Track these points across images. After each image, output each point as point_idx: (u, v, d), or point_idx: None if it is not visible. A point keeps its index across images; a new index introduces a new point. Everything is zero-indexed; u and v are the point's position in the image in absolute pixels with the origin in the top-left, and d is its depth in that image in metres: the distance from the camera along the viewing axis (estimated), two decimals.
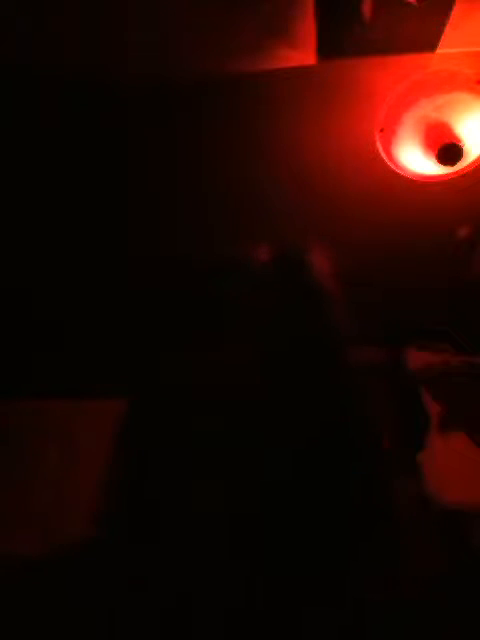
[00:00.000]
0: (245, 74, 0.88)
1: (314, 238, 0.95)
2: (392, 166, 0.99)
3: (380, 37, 0.84)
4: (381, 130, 0.94)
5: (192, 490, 0.76)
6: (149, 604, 0.73)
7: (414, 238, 1.13)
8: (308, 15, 0.80)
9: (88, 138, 0.98)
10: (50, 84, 0.90)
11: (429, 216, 1.09)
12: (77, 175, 1.03)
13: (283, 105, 0.93)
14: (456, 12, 0.80)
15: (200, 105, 0.93)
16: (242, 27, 0.82)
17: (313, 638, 0.72)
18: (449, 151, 0.89)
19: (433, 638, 0.81)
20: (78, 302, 1.17)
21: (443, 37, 0.83)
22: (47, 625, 0.79)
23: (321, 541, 0.75)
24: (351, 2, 0.80)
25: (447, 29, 0.82)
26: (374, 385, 1.18)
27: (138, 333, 1.02)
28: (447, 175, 0.98)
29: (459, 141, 0.89)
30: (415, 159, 0.95)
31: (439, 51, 0.86)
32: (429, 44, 0.85)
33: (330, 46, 0.85)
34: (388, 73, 0.89)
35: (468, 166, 0.96)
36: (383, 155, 0.97)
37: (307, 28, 0.82)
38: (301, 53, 0.85)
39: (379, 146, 0.97)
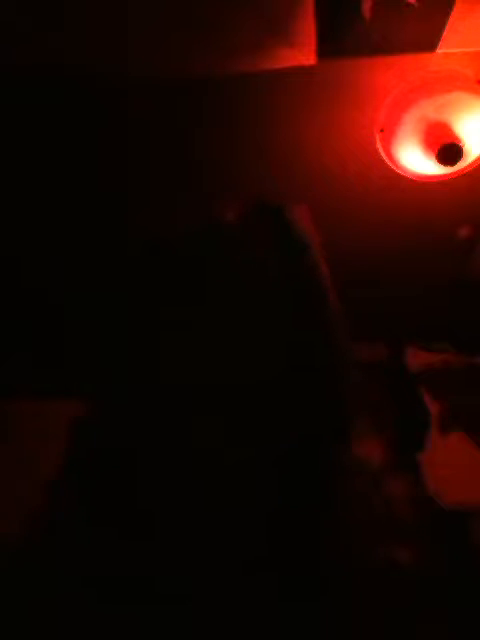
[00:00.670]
0: (245, 74, 0.88)
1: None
2: (392, 166, 0.99)
3: (380, 37, 0.84)
4: (381, 130, 0.94)
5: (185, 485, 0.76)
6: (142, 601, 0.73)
7: (414, 238, 1.13)
8: (308, 15, 0.80)
9: (88, 138, 0.98)
10: (50, 84, 0.90)
11: (429, 216, 1.09)
12: (78, 175, 1.03)
13: (283, 105, 0.93)
14: (456, 12, 0.80)
15: (200, 105, 0.94)
16: (242, 27, 0.82)
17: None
18: (449, 151, 0.89)
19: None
20: (78, 302, 1.17)
21: (443, 37, 0.83)
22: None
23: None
24: (351, 2, 0.80)
25: (447, 29, 0.82)
26: (373, 382, 1.18)
27: (139, 333, 1.02)
28: (447, 175, 0.98)
29: (459, 141, 0.89)
30: (415, 159, 0.95)
31: (439, 51, 0.86)
32: (429, 44, 0.85)
33: (330, 46, 0.85)
34: (388, 73, 0.89)
35: (468, 166, 0.96)
36: (383, 155, 0.97)
37: (307, 28, 0.82)
38: (301, 53, 0.85)
39: (379, 146, 0.97)
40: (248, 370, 0.79)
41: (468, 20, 0.81)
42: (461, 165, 0.93)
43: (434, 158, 0.91)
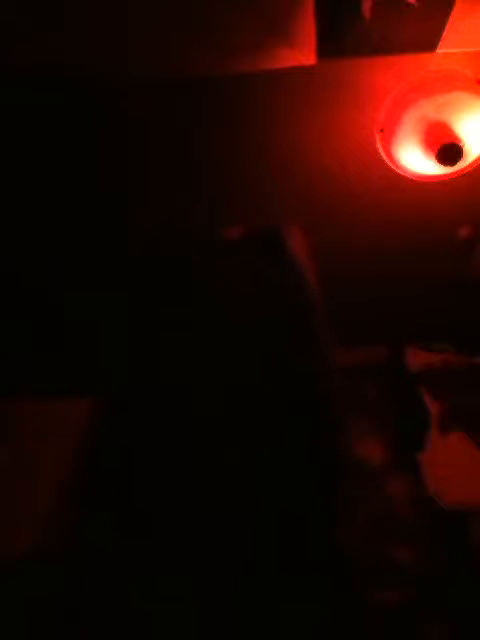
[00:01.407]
0: (245, 74, 0.88)
1: (314, 237, 0.95)
2: (392, 166, 0.99)
3: (380, 37, 0.84)
4: (381, 130, 0.94)
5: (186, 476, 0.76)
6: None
7: (414, 238, 1.13)
8: (308, 15, 0.80)
9: (88, 138, 0.98)
10: (50, 84, 0.90)
11: (429, 216, 1.09)
12: (77, 175, 1.03)
13: (283, 105, 0.93)
14: (456, 12, 0.80)
15: (200, 105, 0.93)
16: (242, 27, 0.82)
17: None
18: (449, 151, 0.89)
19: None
20: (78, 302, 1.17)
21: (443, 37, 0.83)
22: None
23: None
24: (351, 2, 0.80)
25: (447, 29, 0.82)
26: (372, 383, 1.18)
27: (139, 333, 1.02)
28: (447, 175, 0.98)
29: (459, 141, 0.89)
30: (415, 159, 0.95)
31: (439, 51, 0.86)
32: (429, 44, 0.85)
33: (330, 46, 0.85)
34: (388, 73, 0.89)
35: (468, 166, 0.96)
36: (383, 155, 0.97)
37: (307, 28, 0.82)
38: (301, 53, 0.85)
39: (379, 146, 0.97)
40: (240, 372, 0.80)
41: (468, 20, 0.81)
42: (461, 165, 0.93)
43: (434, 158, 0.91)
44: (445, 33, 0.83)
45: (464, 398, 1.16)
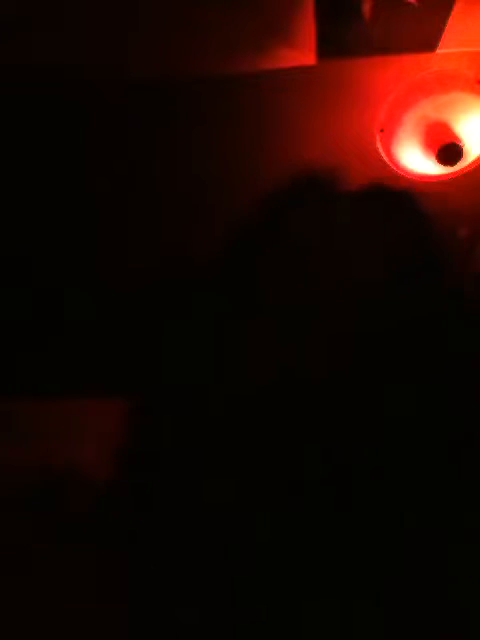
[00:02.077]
0: (245, 74, 0.88)
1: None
2: (392, 166, 0.99)
3: (380, 37, 0.84)
4: (381, 130, 0.94)
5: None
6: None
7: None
8: (308, 15, 0.80)
9: (88, 138, 0.98)
10: (49, 84, 0.90)
11: (429, 216, 1.09)
12: (77, 175, 1.03)
13: (283, 105, 0.93)
14: (456, 12, 0.80)
15: (200, 105, 0.93)
16: (242, 27, 0.82)
17: None
18: (449, 151, 0.89)
19: None
20: (78, 302, 1.17)
21: (443, 37, 0.83)
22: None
23: None
24: (351, 2, 0.80)
25: (447, 29, 0.82)
26: None
27: (142, 332, 1.02)
28: (447, 175, 0.98)
29: (459, 141, 0.89)
30: (415, 159, 0.95)
31: (439, 51, 0.86)
32: (429, 44, 0.85)
33: (330, 46, 0.85)
34: (388, 73, 0.89)
35: (468, 166, 0.96)
36: (383, 155, 0.97)
37: (307, 28, 0.82)
38: (301, 53, 0.85)
39: (379, 146, 0.97)
40: None
41: (468, 20, 0.81)
42: (461, 165, 0.93)
43: (434, 158, 0.91)
44: (445, 33, 0.83)
45: None
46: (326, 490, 0.85)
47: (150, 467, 0.84)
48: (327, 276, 0.97)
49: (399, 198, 1.06)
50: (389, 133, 0.93)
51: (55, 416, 1.12)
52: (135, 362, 1.01)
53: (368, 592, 0.84)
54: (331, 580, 0.84)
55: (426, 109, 0.89)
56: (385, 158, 0.98)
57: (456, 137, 0.89)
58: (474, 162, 0.95)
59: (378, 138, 0.96)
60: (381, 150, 0.97)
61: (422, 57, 0.87)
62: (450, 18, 0.81)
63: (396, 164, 0.98)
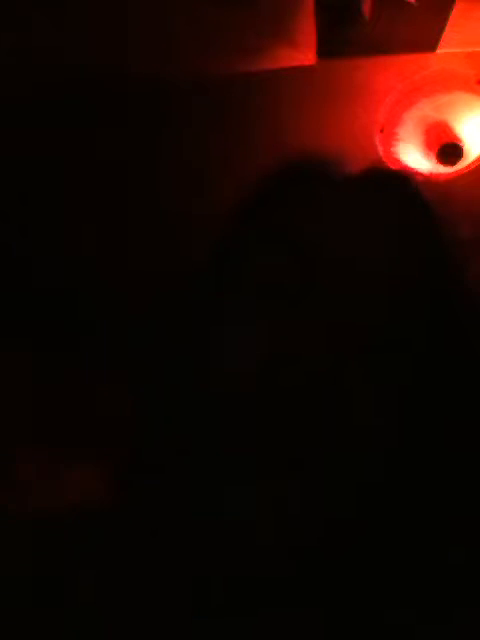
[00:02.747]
0: (245, 74, 0.88)
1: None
2: (392, 166, 0.99)
3: (380, 37, 0.84)
4: (381, 130, 0.94)
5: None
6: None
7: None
8: (308, 15, 0.80)
9: (88, 138, 0.98)
10: (49, 84, 0.90)
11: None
12: (77, 175, 1.03)
13: (283, 105, 0.93)
14: (456, 12, 0.80)
15: (200, 105, 0.94)
16: (242, 27, 0.82)
17: None
18: (449, 151, 0.89)
19: None
20: (78, 303, 1.17)
21: (443, 37, 0.83)
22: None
23: None
24: (351, 2, 0.80)
25: (447, 29, 0.82)
26: None
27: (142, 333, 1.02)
28: (447, 175, 0.98)
29: (459, 141, 0.89)
30: (415, 159, 0.95)
31: (439, 51, 0.86)
32: (429, 44, 0.85)
33: (330, 46, 0.85)
34: (388, 73, 0.89)
35: (468, 166, 0.96)
36: (383, 155, 0.97)
37: (307, 28, 0.82)
38: (301, 53, 0.85)
39: (379, 146, 0.97)
40: None
41: (468, 20, 0.81)
42: (461, 165, 0.93)
43: (434, 158, 0.91)
44: (445, 33, 0.83)
45: None
46: (326, 490, 0.85)
47: (150, 468, 0.84)
48: (327, 276, 0.97)
49: (399, 198, 1.06)
50: (389, 133, 0.93)
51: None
52: (135, 362, 1.01)
53: (368, 594, 0.84)
54: (331, 580, 0.84)
55: (426, 109, 0.89)
56: (385, 158, 0.98)
57: (456, 137, 0.89)
58: (474, 162, 0.95)
59: (378, 138, 0.96)
60: (381, 150, 0.97)
61: (422, 57, 0.87)
62: (450, 18, 0.81)
63: (396, 164, 0.98)
